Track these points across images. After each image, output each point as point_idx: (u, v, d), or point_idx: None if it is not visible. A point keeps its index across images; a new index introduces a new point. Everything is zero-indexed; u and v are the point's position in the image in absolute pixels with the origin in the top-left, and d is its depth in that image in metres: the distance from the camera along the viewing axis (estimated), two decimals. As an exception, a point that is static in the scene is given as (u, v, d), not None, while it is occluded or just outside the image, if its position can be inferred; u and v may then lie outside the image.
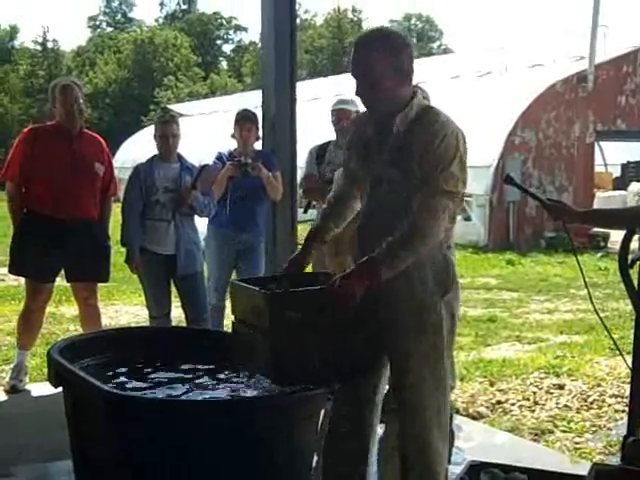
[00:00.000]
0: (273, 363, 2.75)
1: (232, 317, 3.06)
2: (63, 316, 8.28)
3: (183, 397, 3.03)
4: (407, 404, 2.86)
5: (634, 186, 19.45)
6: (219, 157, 5.67)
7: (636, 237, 3.35)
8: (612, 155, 22.16)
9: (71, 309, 8.12)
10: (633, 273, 3.24)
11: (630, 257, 3.23)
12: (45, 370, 5.40)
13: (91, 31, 61.62)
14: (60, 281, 5.42)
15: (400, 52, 2.84)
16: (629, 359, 3.26)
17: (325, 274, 3.18)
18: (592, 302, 3.29)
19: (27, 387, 5.26)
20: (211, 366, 3.39)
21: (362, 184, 3.05)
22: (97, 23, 62.41)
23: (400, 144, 2.82)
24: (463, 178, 2.81)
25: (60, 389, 3.15)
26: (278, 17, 5.60)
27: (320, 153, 5.31)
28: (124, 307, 9.09)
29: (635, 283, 3.21)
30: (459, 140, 2.80)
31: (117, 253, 5.50)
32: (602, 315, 3.38)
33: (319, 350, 2.76)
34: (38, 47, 48.64)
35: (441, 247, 2.86)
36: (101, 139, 5.42)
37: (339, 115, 5.13)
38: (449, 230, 2.90)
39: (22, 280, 5.80)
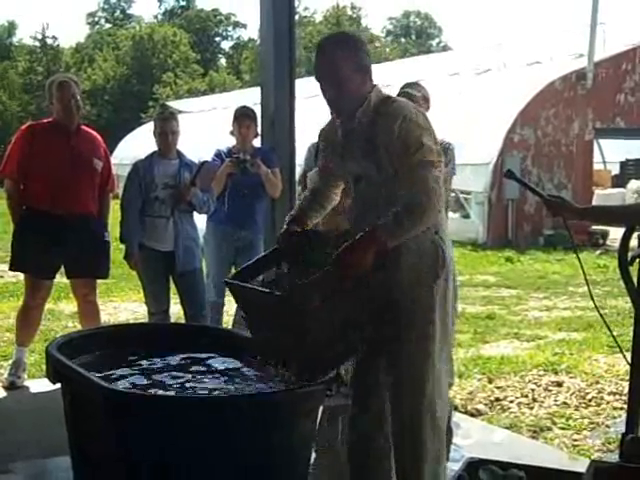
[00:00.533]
0: (310, 357, 2.76)
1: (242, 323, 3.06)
2: (62, 313, 8.28)
3: (182, 394, 3.03)
4: (401, 395, 2.90)
5: (633, 184, 19.46)
6: (218, 154, 5.66)
7: (635, 234, 3.35)
8: (611, 153, 22.16)
9: (70, 306, 8.12)
10: (633, 270, 3.24)
11: (630, 254, 3.23)
12: (43, 366, 5.41)
13: (90, 28, 61.60)
14: (59, 278, 5.42)
15: (359, 50, 2.95)
16: (628, 356, 3.27)
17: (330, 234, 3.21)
18: (592, 299, 3.28)
19: (25, 383, 5.27)
20: (210, 363, 3.39)
21: (346, 185, 3.14)
22: (96, 19, 62.34)
23: (366, 136, 2.89)
24: (437, 149, 2.85)
25: (58, 385, 3.15)
26: (277, 14, 5.59)
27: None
28: (122, 304, 9.09)
29: (635, 280, 3.21)
30: (419, 117, 2.85)
31: (116, 250, 5.50)
32: (602, 312, 3.37)
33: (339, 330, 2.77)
34: (37, 43, 48.56)
35: (427, 232, 2.89)
36: (98, 135, 5.41)
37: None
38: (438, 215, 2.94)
39: (21, 276, 5.80)
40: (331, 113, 3.08)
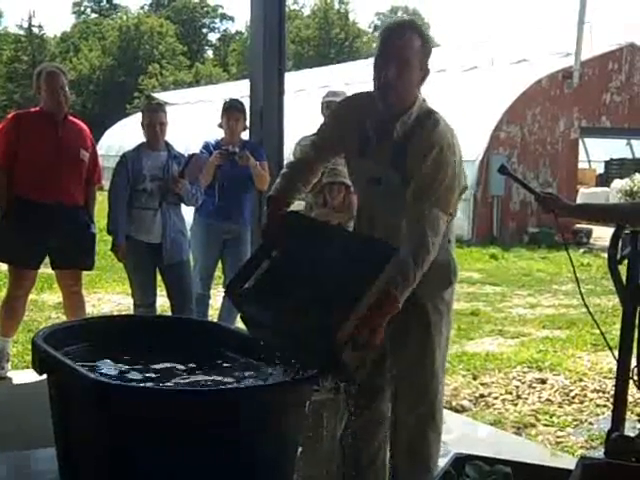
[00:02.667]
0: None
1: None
2: (45, 303, 8.23)
3: (167, 386, 3.02)
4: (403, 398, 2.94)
5: (617, 183, 19.58)
6: (206, 146, 5.64)
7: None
8: (596, 152, 22.30)
9: (53, 296, 8.08)
10: (621, 269, 3.26)
11: (619, 254, 3.25)
12: (26, 357, 5.39)
13: (76, 17, 61.23)
14: (43, 268, 5.38)
15: (430, 52, 2.82)
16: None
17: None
18: (582, 297, 3.31)
19: (8, 374, 5.23)
20: (196, 356, 3.38)
21: (356, 179, 3.08)
22: (82, 9, 61.93)
23: (399, 148, 2.78)
24: (458, 191, 2.83)
25: (42, 377, 3.12)
26: (267, 6, 5.56)
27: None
28: (106, 295, 9.04)
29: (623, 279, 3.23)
30: (455, 151, 2.76)
31: (100, 241, 5.47)
32: (585, 311, 3.40)
33: None
34: (22, 32, 48.17)
35: (442, 241, 2.88)
36: (85, 126, 5.38)
37: (330, 107, 5.11)
38: (448, 224, 2.92)
39: (4, 266, 5.75)
40: (371, 97, 2.86)
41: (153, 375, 3.13)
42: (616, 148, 22.33)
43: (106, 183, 5.38)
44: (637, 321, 3.24)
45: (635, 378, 3.24)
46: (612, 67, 18.17)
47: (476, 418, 5.02)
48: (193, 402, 2.72)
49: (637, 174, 18.98)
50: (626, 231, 3.25)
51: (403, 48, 2.71)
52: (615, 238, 3.24)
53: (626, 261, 3.23)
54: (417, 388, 2.93)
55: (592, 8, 18.28)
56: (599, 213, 3.36)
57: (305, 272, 2.78)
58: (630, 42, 18.45)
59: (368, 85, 2.92)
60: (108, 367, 3.17)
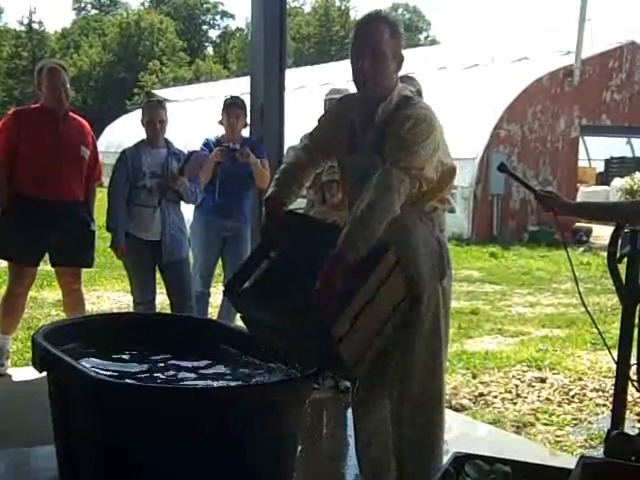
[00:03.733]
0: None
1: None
2: (44, 301, 8.23)
3: (164, 384, 3.02)
4: (406, 393, 2.94)
5: (617, 182, 19.57)
6: (206, 143, 5.63)
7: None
8: (596, 150, 22.29)
9: (53, 294, 8.07)
10: (621, 268, 3.26)
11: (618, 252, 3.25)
12: (26, 355, 5.39)
13: (76, 13, 61.20)
14: (42, 265, 5.37)
15: (401, 38, 2.89)
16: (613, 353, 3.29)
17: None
18: (581, 297, 3.31)
19: (8, 372, 5.22)
20: (195, 354, 3.38)
21: (346, 176, 3.09)
22: (82, 5, 61.89)
23: (379, 133, 2.84)
24: (426, 159, 2.79)
25: (41, 374, 3.12)
26: (268, 4, 5.56)
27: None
28: (106, 293, 9.03)
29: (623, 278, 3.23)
30: (432, 126, 2.79)
31: (99, 238, 5.46)
32: (584, 310, 3.40)
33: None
34: (22, 28, 48.13)
35: (434, 230, 2.89)
36: (86, 123, 5.37)
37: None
38: (440, 214, 2.97)
39: (4, 263, 5.74)
40: (358, 94, 2.95)
41: (152, 373, 3.14)
42: (616, 146, 22.32)
43: (106, 180, 5.37)
44: (636, 320, 3.24)
45: (634, 377, 3.24)
46: (613, 65, 18.17)
47: (475, 417, 5.02)
48: (187, 400, 2.73)
49: (637, 173, 18.96)
50: (626, 230, 3.25)
51: (374, 39, 2.82)
52: (615, 237, 3.24)
53: (626, 260, 3.23)
54: (420, 383, 2.93)
55: (593, 6, 18.26)
56: (599, 212, 3.36)
57: (303, 272, 2.78)
58: (631, 40, 18.46)
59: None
60: (107, 365, 3.18)
